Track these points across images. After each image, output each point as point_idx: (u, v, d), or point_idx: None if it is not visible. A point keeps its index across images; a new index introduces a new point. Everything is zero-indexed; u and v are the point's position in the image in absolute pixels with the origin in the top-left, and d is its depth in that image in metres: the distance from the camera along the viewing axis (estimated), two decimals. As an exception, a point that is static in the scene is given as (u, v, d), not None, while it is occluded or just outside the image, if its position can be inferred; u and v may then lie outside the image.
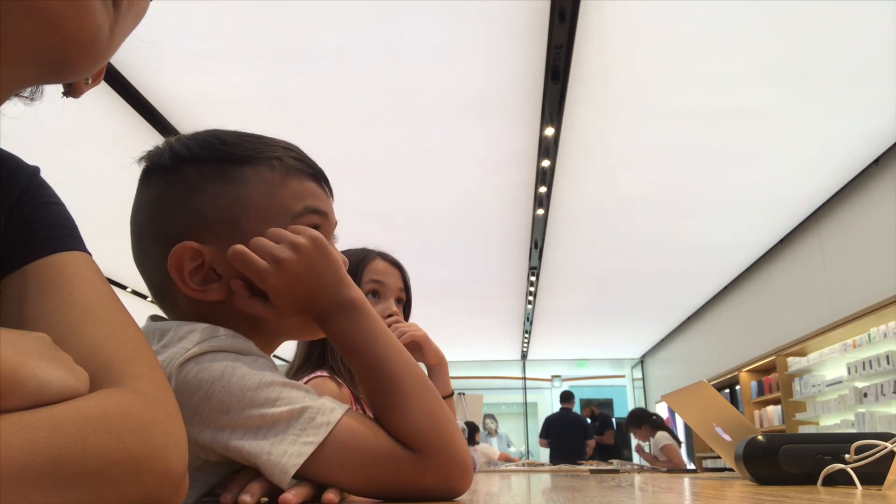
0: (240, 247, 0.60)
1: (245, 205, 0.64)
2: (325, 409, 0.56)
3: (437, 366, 1.34)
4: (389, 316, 1.30)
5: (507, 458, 6.13)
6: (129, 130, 3.90)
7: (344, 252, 1.33)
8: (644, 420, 5.86)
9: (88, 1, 0.39)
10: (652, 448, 5.75)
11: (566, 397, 7.96)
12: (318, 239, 0.62)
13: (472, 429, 5.50)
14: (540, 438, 7.94)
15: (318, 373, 1.24)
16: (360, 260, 1.33)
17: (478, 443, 6.11)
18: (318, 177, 0.70)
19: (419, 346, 1.31)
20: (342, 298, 0.62)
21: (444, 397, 1.34)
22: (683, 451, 5.79)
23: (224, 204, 0.64)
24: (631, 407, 12.59)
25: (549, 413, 9.49)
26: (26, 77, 0.41)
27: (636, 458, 6.16)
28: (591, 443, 7.56)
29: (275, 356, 0.69)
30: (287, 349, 1.26)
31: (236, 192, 0.64)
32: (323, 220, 0.68)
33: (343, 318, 0.62)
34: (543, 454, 9.05)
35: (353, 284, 0.64)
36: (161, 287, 0.66)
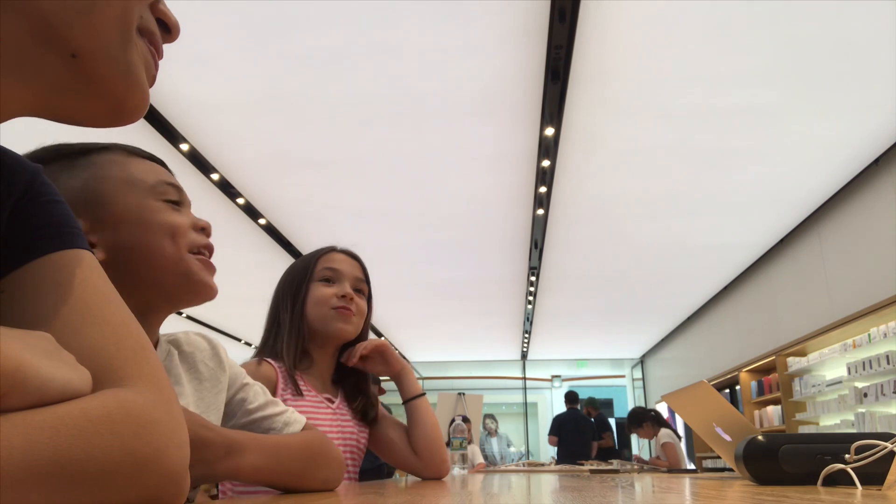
0: None
1: (101, 178, 0.70)
2: None
3: (401, 372, 1.40)
4: (343, 296, 1.33)
5: (480, 470, 5.90)
6: (128, 131, 3.90)
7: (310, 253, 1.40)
8: (644, 418, 5.84)
9: (147, 89, 0.45)
10: (654, 448, 5.72)
11: (572, 398, 7.98)
12: None
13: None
14: (549, 436, 7.95)
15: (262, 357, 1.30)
16: (317, 257, 1.39)
17: (470, 442, 5.98)
18: (158, 161, 0.77)
19: (382, 356, 1.36)
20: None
21: (416, 397, 1.39)
22: (683, 449, 5.76)
23: (79, 184, 0.69)
24: (631, 407, 12.60)
25: (549, 413, 9.50)
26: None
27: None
28: (596, 444, 7.64)
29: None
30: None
31: (89, 172, 0.70)
32: (179, 193, 0.75)
33: None
34: (544, 454, 9.04)
35: None
36: None
